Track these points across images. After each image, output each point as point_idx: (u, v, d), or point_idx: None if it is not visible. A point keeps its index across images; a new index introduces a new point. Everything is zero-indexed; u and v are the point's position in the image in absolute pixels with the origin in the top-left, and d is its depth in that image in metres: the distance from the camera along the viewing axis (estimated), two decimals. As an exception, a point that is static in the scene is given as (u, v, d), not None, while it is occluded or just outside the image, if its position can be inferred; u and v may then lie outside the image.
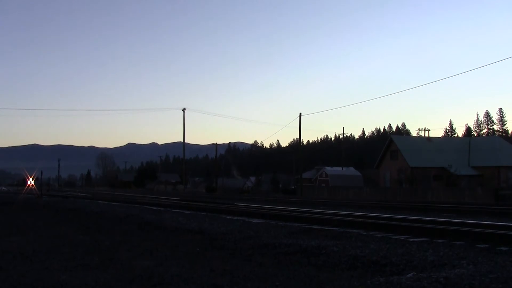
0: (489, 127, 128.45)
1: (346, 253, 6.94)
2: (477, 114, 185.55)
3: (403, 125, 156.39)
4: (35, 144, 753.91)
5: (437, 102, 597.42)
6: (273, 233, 9.86)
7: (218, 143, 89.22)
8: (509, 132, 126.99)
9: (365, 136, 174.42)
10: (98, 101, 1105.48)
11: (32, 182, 46.59)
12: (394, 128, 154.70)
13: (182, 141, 77.88)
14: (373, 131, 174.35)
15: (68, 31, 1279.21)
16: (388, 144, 66.75)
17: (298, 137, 60.37)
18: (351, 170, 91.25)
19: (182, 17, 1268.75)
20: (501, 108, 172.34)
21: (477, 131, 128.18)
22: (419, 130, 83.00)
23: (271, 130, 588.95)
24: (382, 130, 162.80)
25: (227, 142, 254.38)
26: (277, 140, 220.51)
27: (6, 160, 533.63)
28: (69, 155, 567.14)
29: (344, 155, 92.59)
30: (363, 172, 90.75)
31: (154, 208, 21.52)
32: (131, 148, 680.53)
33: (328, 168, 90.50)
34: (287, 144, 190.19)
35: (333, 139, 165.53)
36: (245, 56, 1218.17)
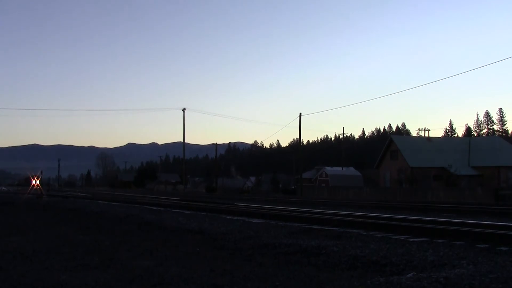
0: (489, 127, 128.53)
1: (346, 253, 6.94)
2: (477, 114, 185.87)
3: (403, 125, 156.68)
4: (35, 144, 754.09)
5: (437, 102, 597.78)
6: (273, 233, 9.86)
7: (218, 143, 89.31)
8: (509, 132, 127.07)
9: (365, 136, 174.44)
10: (98, 101, 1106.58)
11: (37, 182, 46.57)
12: (394, 128, 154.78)
13: (182, 141, 77.82)
14: (373, 131, 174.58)
15: (68, 31, 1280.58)
16: (388, 144, 66.78)
17: (298, 137, 60.43)
18: (351, 170, 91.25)
19: (182, 17, 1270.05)
20: (501, 108, 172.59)
21: (477, 131, 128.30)
22: (419, 130, 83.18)
23: (271, 130, 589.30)
24: (382, 130, 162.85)
25: (227, 142, 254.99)
26: (277, 140, 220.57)
27: (6, 160, 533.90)
28: (69, 155, 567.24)
29: (344, 155, 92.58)
30: (363, 172, 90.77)
31: (154, 208, 21.52)
32: (131, 148, 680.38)
33: (328, 168, 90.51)
34: (287, 144, 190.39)
35: (333, 139, 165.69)
36: (245, 56, 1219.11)
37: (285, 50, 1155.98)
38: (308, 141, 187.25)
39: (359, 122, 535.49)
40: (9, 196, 45.30)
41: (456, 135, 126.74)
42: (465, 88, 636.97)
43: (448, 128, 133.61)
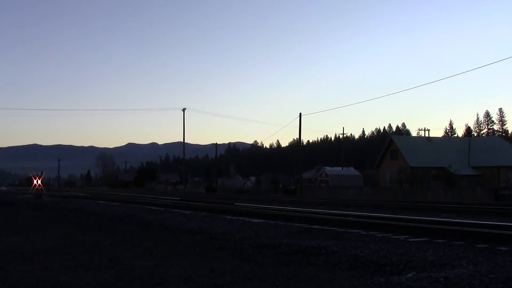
0: (489, 127, 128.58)
1: (346, 253, 6.94)
2: (477, 114, 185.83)
3: (403, 125, 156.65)
4: (35, 144, 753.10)
5: (437, 102, 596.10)
6: (273, 233, 9.86)
7: (218, 143, 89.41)
8: (509, 132, 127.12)
9: (365, 136, 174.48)
10: (98, 101, 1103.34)
11: (39, 182, 46.74)
12: (394, 128, 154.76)
13: (182, 141, 77.90)
14: (373, 131, 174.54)
15: (68, 31, 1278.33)
16: (388, 144, 66.80)
17: (298, 137, 60.46)
18: (351, 170, 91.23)
19: (182, 17, 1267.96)
20: (501, 108, 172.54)
21: (477, 131, 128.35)
22: (419, 130, 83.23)
23: (271, 130, 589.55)
24: (382, 130, 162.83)
25: (227, 142, 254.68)
26: (277, 140, 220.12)
27: (6, 160, 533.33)
28: (69, 155, 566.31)
29: (344, 155, 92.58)
30: (363, 172, 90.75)
31: (154, 208, 21.53)
32: (131, 148, 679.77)
33: (328, 168, 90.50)
34: (287, 144, 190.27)
35: (333, 139, 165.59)
36: (245, 56, 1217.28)
37: (285, 50, 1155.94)
38: (308, 141, 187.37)
39: (359, 122, 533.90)
40: (9, 196, 45.32)
41: (456, 135, 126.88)
42: (465, 88, 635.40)
43: (448, 128, 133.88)
